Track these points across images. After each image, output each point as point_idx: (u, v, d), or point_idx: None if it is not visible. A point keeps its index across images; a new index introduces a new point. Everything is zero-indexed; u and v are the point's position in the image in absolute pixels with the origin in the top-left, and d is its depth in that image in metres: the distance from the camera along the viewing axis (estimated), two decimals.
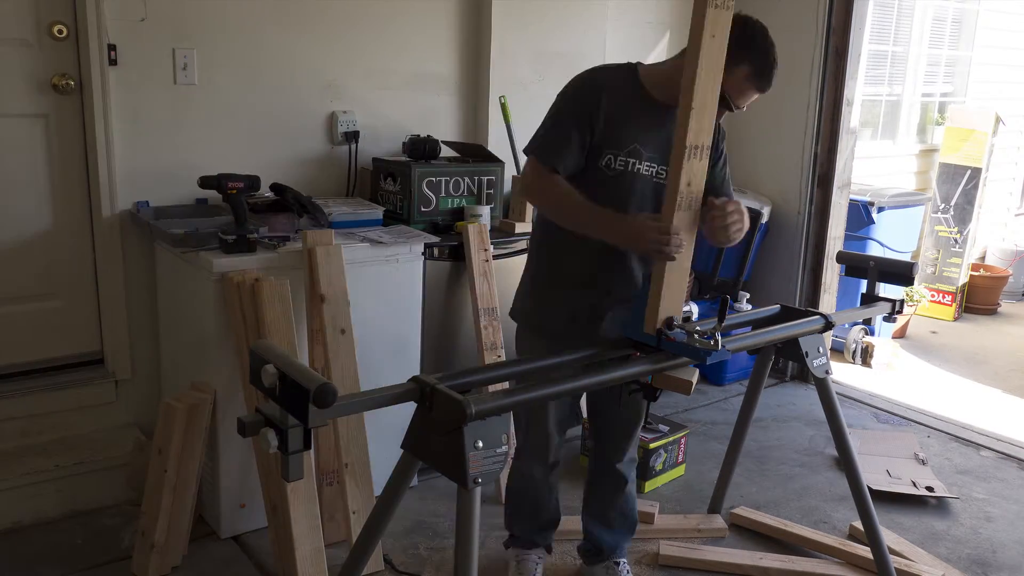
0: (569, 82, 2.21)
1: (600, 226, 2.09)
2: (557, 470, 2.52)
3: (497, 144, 3.52)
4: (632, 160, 2.14)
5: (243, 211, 2.60)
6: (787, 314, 2.54)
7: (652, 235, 1.96)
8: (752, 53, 2.02)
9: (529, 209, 3.34)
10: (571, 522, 2.84)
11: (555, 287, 2.30)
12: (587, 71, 2.22)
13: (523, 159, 3.51)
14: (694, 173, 1.97)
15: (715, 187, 2.21)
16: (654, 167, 2.16)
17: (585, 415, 2.74)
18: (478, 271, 3.05)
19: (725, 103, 2.04)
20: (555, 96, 2.22)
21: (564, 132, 2.14)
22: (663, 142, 2.11)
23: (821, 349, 2.46)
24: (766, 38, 2.05)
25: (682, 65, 1.95)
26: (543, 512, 2.57)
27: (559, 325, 2.28)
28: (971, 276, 5.89)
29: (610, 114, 2.12)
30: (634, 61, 2.23)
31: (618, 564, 2.58)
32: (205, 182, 2.61)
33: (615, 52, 3.97)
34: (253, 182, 2.64)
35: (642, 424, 2.52)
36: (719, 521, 2.96)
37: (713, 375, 4.32)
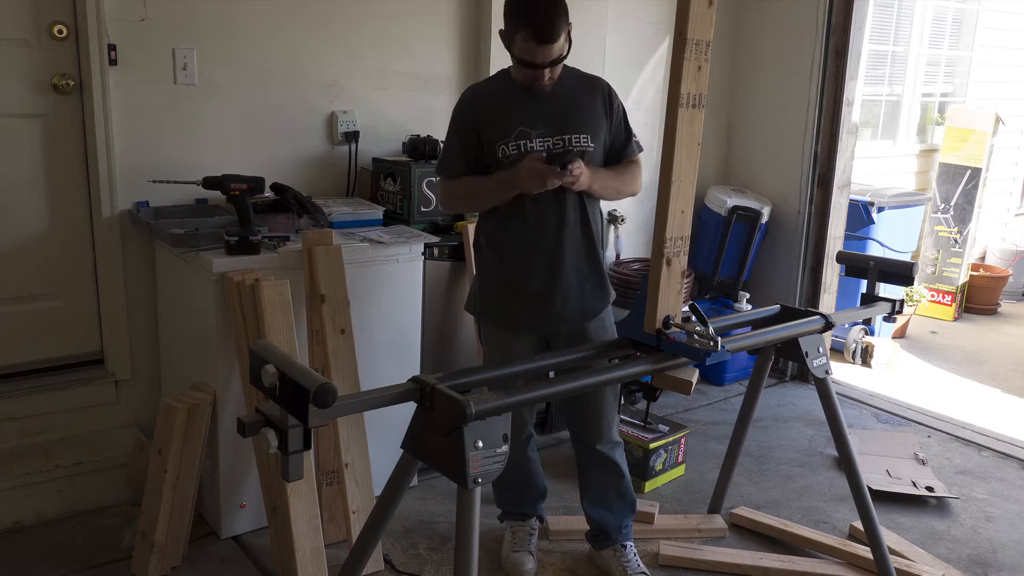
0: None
1: (500, 185, 2.33)
2: (532, 441, 2.67)
3: None
4: (522, 142, 2.32)
5: (247, 212, 2.60)
6: (787, 314, 2.54)
7: (533, 170, 2.22)
8: (520, 20, 2.21)
9: None
10: (572, 522, 2.85)
11: (501, 280, 2.46)
12: (467, 92, 2.49)
13: None
14: None
15: (615, 146, 2.45)
16: (548, 140, 2.33)
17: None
18: None
19: (528, 64, 2.24)
20: None
21: (449, 145, 2.42)
22: (548, 114, 2.34)
23: (821, 349, 2.46)
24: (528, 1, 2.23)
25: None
26: (528, 487, 2.71)
27: (513, 313, 2.45)
28: (971, 276, 5.89)
29: (487, 114, 2.36)
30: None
31: (625, 547, 2.62)
32: (209, 183, 2.61)
33: (615, 52, 3.97)
34: (257, 183, 2.64)
35: (614, 404, 2.58)
36: (719, 521, 2.96)
37: (713, 375, 4.32)
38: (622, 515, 2.63)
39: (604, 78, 2.49)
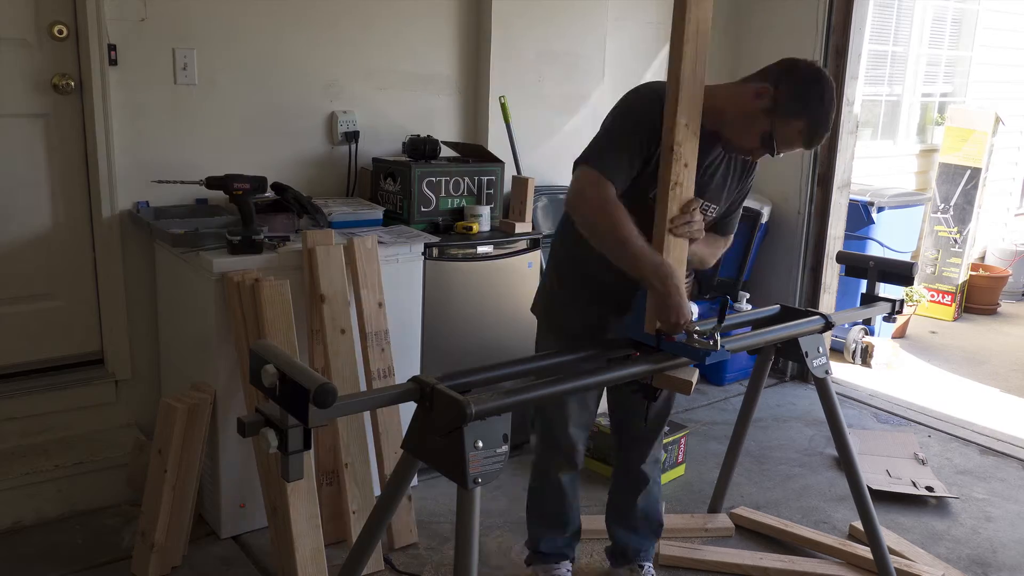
0: (632, 96, 2.09)
1: (640, 265, 1.95)
2: (578, 472, 2.47)
3: (497, 144, 3.52)
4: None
5: (250, 212, 2.60)
6: (787, 314, 2.54)
7: (675, 319, 1.94)
8: (814, 113, 1.97)
9: (529, 210, 3.35)
10: (594, 521, 2.84)
11: (579, 289, 2.26)
12: (650, 87, 2.09)
13: (523, 160, 3.54)
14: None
15: (721, 226, 2.26)
16: (709, 207, 2.12)
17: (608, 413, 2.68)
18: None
19: (771, 147, 2.00)
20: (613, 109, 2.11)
21: (616, 142, 2.01)
22: (714, 178, 2.12)
23: (821, 349, 2.46)
24: (832, 100, 1.99)
25: (738, 94, 2.01)
26: (571, 521, 2.51)
27: (578, 326, 2.25)
28: (971, 276, 5.89)
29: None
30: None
31: (642, 567, 2.55)
32: (211, 183, 2.60)
33: (615, 53, 3.97)
34: (260, 183, 2.64)
35: (663, 427, 2.49)
36: (725, 520, 2.96)
37: (713, 375, 4.32)
38: (644, 538, 2.56)
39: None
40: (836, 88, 2.03)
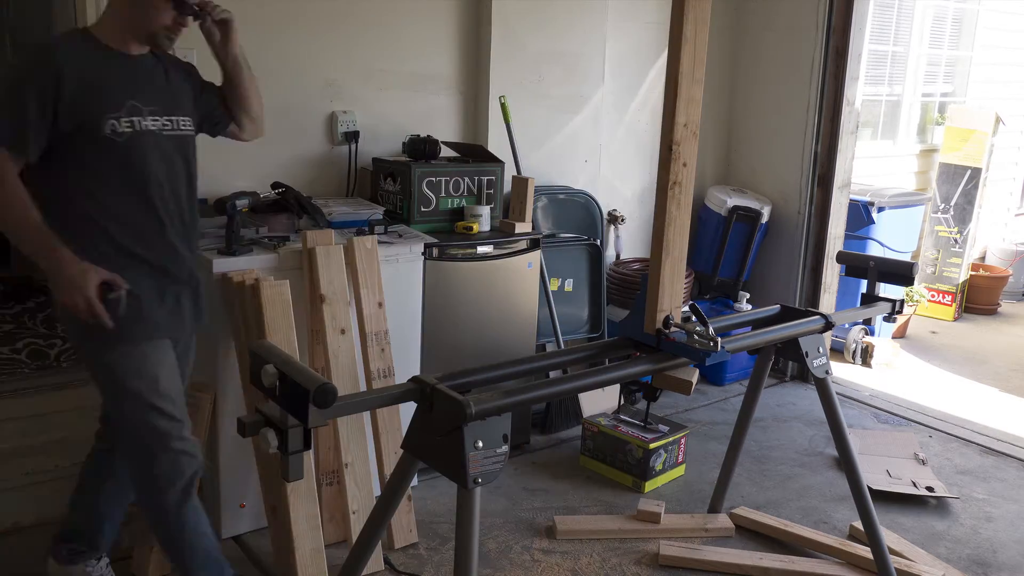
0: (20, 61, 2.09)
1: (39, 243, 1.90)
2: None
3: (497, 144, 3.52)
4: (136, 119, 1.98)
5: (234, 233, 2.56)
6: (787, 314, 2.54)
7: (78, 296, 1.87)
8: None
9: (529, 210, 3.35)
10: (594, 521, 2.84)
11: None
12: (36, 47, 2.07)
13: (523, 160, 3.54)
14: None
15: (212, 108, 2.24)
16: (159, 119, 2.03)
17: None
18: None
19: (186, 7, 2.00)
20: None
21: (11, 104, 1.89)
22: (157, 90, 2.05)
23: (821, 349, 2.46)
24: None
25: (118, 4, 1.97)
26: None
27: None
28: (971, 276, 5.89)
29: (83, 76, 1.92)
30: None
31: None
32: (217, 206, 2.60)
33: (615, 52, 3.97)
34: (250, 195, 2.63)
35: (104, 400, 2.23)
36: (726, 520, 2.96)
37: (713, 375, 4.32)
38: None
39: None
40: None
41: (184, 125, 2.11)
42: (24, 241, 1.93)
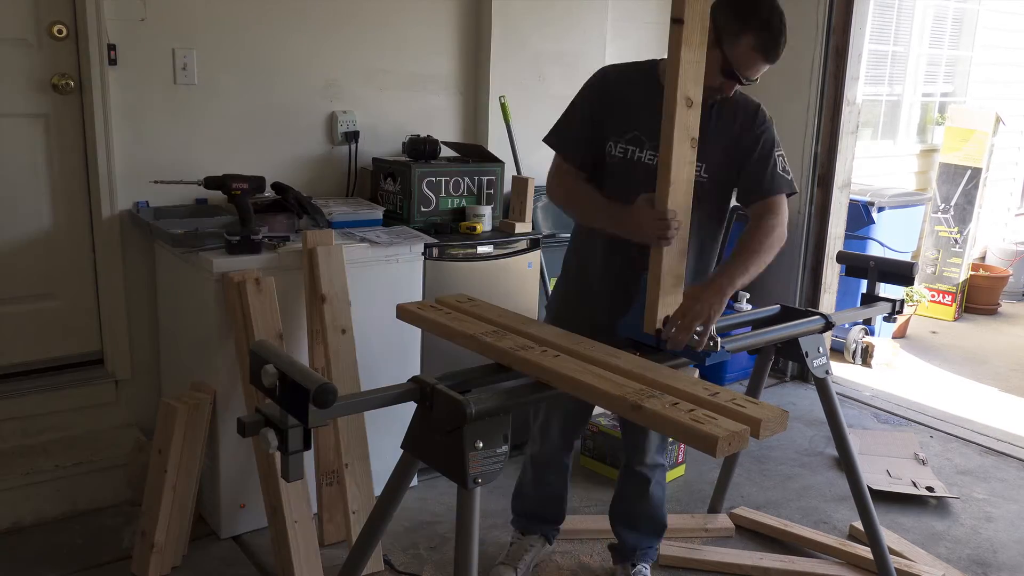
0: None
1: (606, 217, 2.12)
2: (567, 473, 2.61)
3: (497, 144, 3.52)
4: (632, 148, 2.14)
5: (248, 212, 2.60)
6: (787, 314, 2.54)
7: (650, 221, 1.93)
8: (754, 23, 2.01)
9: (529, 210, 3.35)
10: (594, 521, 2.85)
11: (580, 296, 2.35)
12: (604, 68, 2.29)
13: (523, 160, 3.54)
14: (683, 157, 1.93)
15: (752, 184, 2.17)
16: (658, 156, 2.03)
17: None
18: None
19: (734, 75, 2.03)
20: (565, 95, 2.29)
21: (570, 117, 2.23)
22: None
23: (821, 349, 2.46)
24: (771, 6, 2.04)
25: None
26: (546, 507, 2.64)
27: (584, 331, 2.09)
28: (971, 276, 5.89)
29: (616, 99, 2.15)
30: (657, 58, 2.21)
31: (635, 567, 2.56)
32: (210, 183, 2.61)
33: (615, 52, 3.96)
34: (259, 183, 2.64)
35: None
36: (726, 520, 2.96)
37: (713, 375, 4.32)
38: (644, 537, 2.57)
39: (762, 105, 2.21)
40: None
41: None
42: None
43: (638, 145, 2.14)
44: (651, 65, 2.20)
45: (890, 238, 4.88)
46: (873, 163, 5.71)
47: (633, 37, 4.07)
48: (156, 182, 2.78)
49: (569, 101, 2.29)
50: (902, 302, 2.74)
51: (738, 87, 2.11)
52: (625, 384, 1.62)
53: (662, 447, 2.52)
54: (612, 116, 2.15)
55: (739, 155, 2.17)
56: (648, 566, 2.59)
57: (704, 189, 2.10)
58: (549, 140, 2.27)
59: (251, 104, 3.09)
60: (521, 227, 3.28)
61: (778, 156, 2.20)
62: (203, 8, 2.93)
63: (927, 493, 3.22)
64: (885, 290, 2.73)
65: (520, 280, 3.30)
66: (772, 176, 2.17)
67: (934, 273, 5.81)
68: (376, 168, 3.33)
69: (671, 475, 3.30)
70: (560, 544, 2.80)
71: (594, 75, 2.25)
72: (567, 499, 2.66)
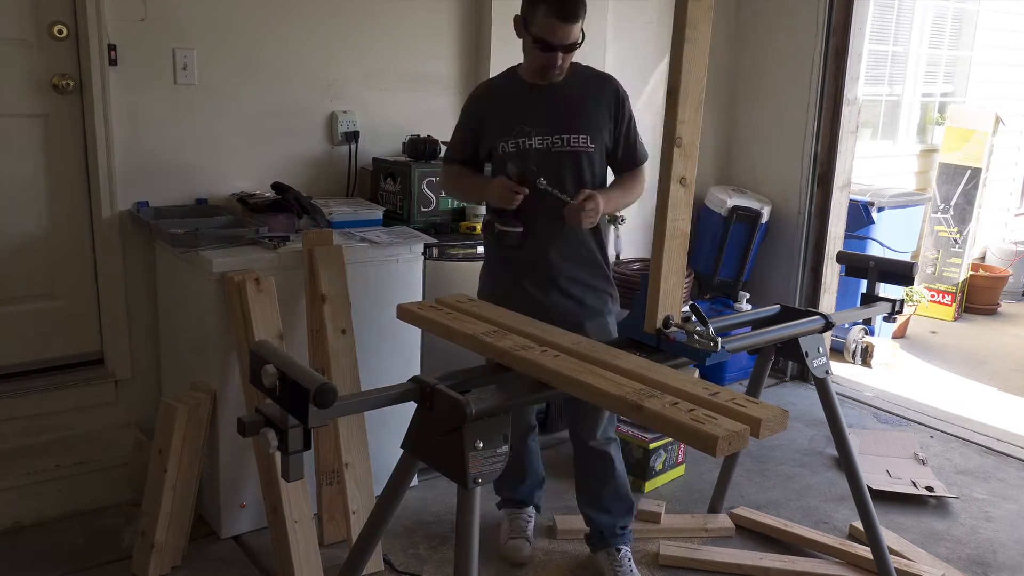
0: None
1: (474, 190, 2.58)
2: (533, 433, 2.76)
3: None
4: (522, 140, 2.39)
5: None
6: (787, 314, 2.53)
7: (499, 191, 2.34)
8: None
9: None
10: (578, 521, 2.84)
11: (498, 270, 2.57)
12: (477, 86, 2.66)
13: None
14: None
15: (624, 157, 2.48)
16: (547, 138, 2.38)
17: None
18: None
19: (547, 45, 2.29)
20: None
21: (455, 132, 2.57)
22: (549, 112, 2.39)
23: (821, 349, 2.46)
24: None
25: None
26: (527, 475, 2.77)
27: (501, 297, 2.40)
28: (971, 276, 5.89)
29: (492, 109, 2.46)
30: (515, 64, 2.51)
31: (619, 551, 2.59)
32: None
33: (615, 53, 3.97)
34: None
35: None
36: (726, 520, 2.96)
37: (713, 375, 4.32)
38: (620, 516, 2.61)
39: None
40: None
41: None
42: None
43: (526, 136, 2.39)
44: (512, 71, 2.51)
45: (890, 238, 4.88)
46: (873, 163, 5.71)
47: (633, 37, 4.07)
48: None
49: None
50: (902, 302, 2.74)
51: (572, 60, 2.40)
52: (625, 384, 1.62)
53: (612, 419, 2.59)
54: (496, 122, 2.43)
55: (612, 125, 2.46)
56: (629, 548, 2.62)
57: (592, 159, 2.42)
58: (445, 157, 2.62)
59: (251, 104, 3.09)
60: None
61: (636, 128, 2.53)
62: (203, 8, 2.93)
63: (927, 493, 3.22)
64: (885, 290, 2.73)
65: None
66: (638, 147, 2.53)
67: (934, 273, 5.81)
68: (376, 168, 3.33)
69: (671, 475, 3.30)
70: (560, 544, 2.80)
71: (468, 98, 2.60)
72: (528, 465, 2.76)
